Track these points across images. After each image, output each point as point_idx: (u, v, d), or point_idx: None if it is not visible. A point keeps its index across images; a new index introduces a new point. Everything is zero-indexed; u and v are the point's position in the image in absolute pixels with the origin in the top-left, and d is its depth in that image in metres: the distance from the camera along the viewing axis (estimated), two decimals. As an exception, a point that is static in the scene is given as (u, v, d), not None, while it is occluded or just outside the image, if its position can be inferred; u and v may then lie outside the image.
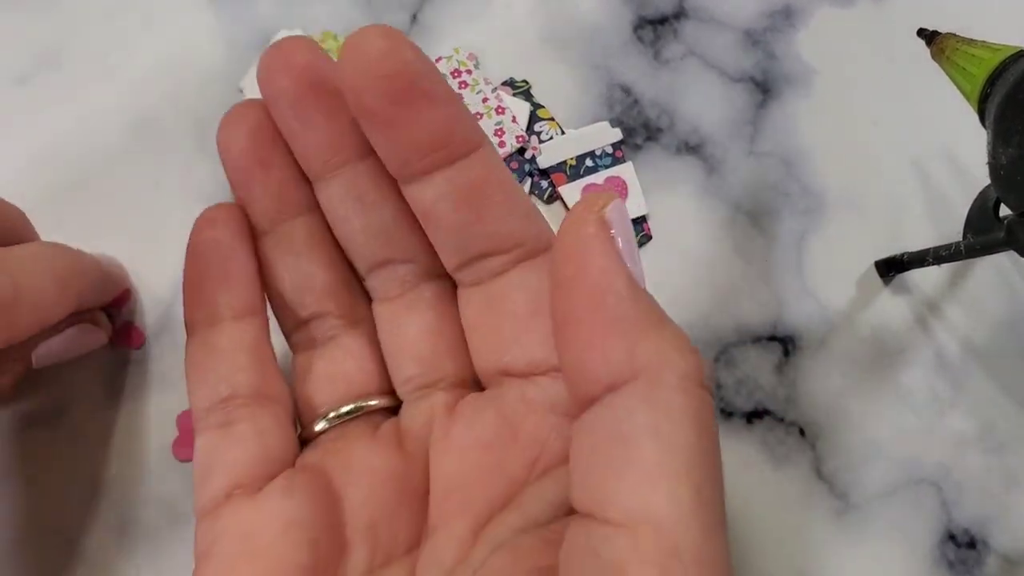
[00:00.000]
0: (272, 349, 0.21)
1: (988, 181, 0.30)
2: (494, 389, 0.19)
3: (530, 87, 0.42)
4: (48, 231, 0.38)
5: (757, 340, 0.39)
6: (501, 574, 0.16)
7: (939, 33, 0.32)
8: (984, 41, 0.31)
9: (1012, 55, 0.29)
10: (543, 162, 0.40)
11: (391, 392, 0.21)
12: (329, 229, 0.21)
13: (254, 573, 0.17)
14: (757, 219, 0.41)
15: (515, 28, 0.43)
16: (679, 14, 0.44)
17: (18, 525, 0.35)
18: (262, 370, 0.20)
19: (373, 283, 0.20)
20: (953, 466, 0.38)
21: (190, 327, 0.20)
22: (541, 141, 0.40)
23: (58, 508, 0.35)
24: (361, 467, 0.19)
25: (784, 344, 0.39)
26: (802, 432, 0.38)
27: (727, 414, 0.38)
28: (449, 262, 0.19)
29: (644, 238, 0.40)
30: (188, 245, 0.21)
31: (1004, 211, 0.37)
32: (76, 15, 0.42)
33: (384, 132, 0.18)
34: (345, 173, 0.19)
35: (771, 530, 0.36)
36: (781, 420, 0.38)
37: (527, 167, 0.40)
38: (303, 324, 0.21)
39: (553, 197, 0.40)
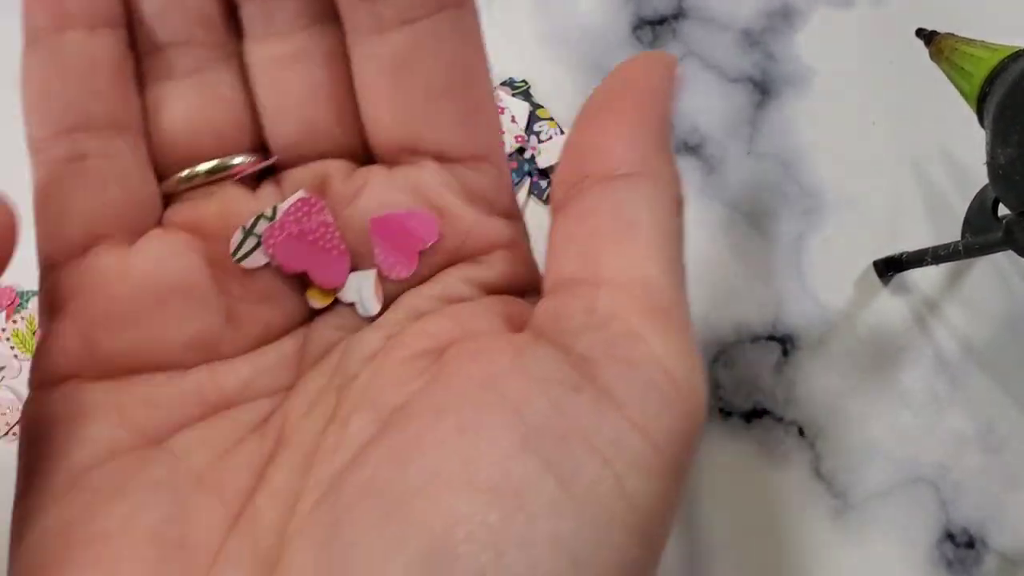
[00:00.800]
0: (133, 72, 0.16)
1: (986, 181, 0.30)
2: (405, 167, 0.16)
3: (529, 87, 0.42)
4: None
5: (756, 340, 0.39)
6: (441, 330, 0.15)
7: (938, 33, 0.32)
8: (983, 41, 0.31)
9: (1010, 55, 0.29)
10: (542, 162, 0.40)
11: (263, 152, 0.17)
12: None
13: (127, 343, 0.15)
14: (756, 219, 0.41)
15: (514, 28, 0.43)
16: (678, 14, 0.44)
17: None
18: (122, 97, 0.16)
19: (250, 15, 0.16)
20: (952, 465, 0.38)
21: (30, 33, 0.15)
22: (540, 141, 0.40)
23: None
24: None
25: (783, 344, 0.39)
26: (801, 432, 0.38)
27: (726, 414, 0.38)
28: None
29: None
30: None
31: (1003, 211, 0.37)
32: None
33: None
34: None
35: (770, 529, 0.36)
36: (780, 420, 0.38)
37: (526, 167, 0.40)
38: (160, 49, 0.16)
39: (552, 197, 0.40)
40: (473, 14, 0.17)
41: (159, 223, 0.16)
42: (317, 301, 0.16)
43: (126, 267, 0.15)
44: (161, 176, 0.17)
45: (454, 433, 0.13)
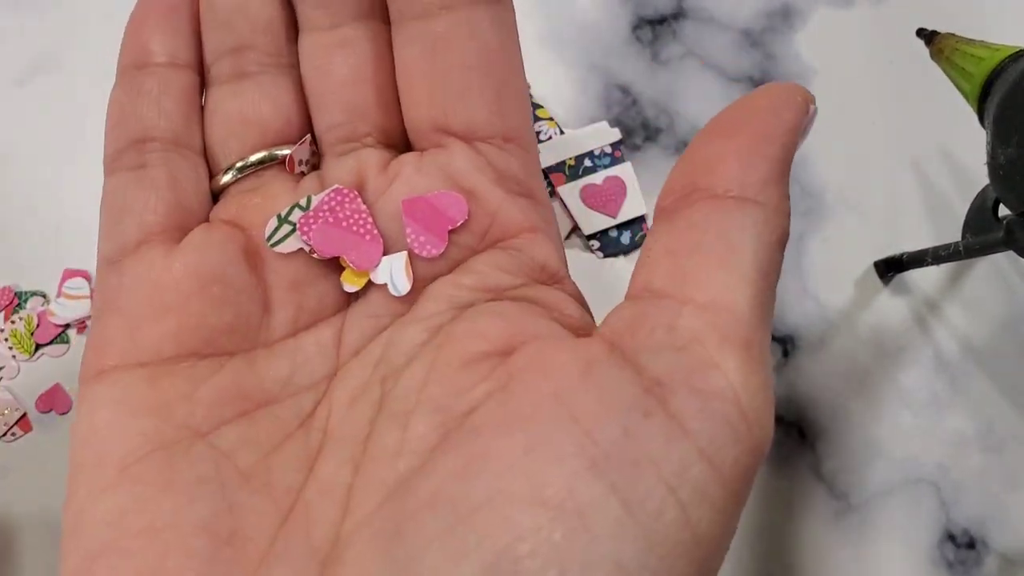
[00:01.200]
0: (200, 103, 0.18)
1: (987, 181, 0.30)
2: (435, 151, 0.17)
3: (529, 87, 0.42)
4: (46, 230, 0.38)
5: (756, 340, 0.39)
6: (493, 331, 0.15)
7: (938, 33, 0.32)
8: (983, 41, 0.31)
9: (1011, 55, 0.29)
10: (542, 162, 0.40)
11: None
12: None
13: (166, 329, 0.16)
14: (756, 219, 0.41)
15: (514, 28, 0.43)
16: (678, 14, 0.44)
17: (18, 525, 0.35)
18: (186, 119, 0.18)
19: (305, 10, 0.18)
20: (952, 466, 0.38)
21: (120, 72, 0.18)
22: (540, 141, 0.40)
23: (57, 508, 0.35)
24: None
25: (783, 344, 0.39)
26: (801, 432, 0.38)
27: (726, 414, 0.38)
28: None
29: (643, 238, 0.40)
30: None
31: (1003, 211, 0.37)
32: (76, 16, 0.42)
33: None
34: None
35: (770, 530, 0.36)
36: (780, 420, 0.38)
37: (526, 167, 0.40)
38: (226, 54, 0.18)
39: (552, 197, 0.40)
40: (510, 10, 0.17)
41: (207, 220, 0.18)
42: (351, 284, 0.17)
43: (169, 261, 0.16)
44: (215, 172, 0.18)
45: (522, 450, 0.13)
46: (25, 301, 0.37)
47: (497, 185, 0.17)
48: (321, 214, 0.17)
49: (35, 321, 0.36)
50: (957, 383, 0.39)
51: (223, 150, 0.18)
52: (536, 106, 0.41)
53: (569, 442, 0.13)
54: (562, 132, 0.41)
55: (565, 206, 0.40)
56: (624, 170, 0.40)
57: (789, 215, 0.15)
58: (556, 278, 0.17)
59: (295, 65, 0.18)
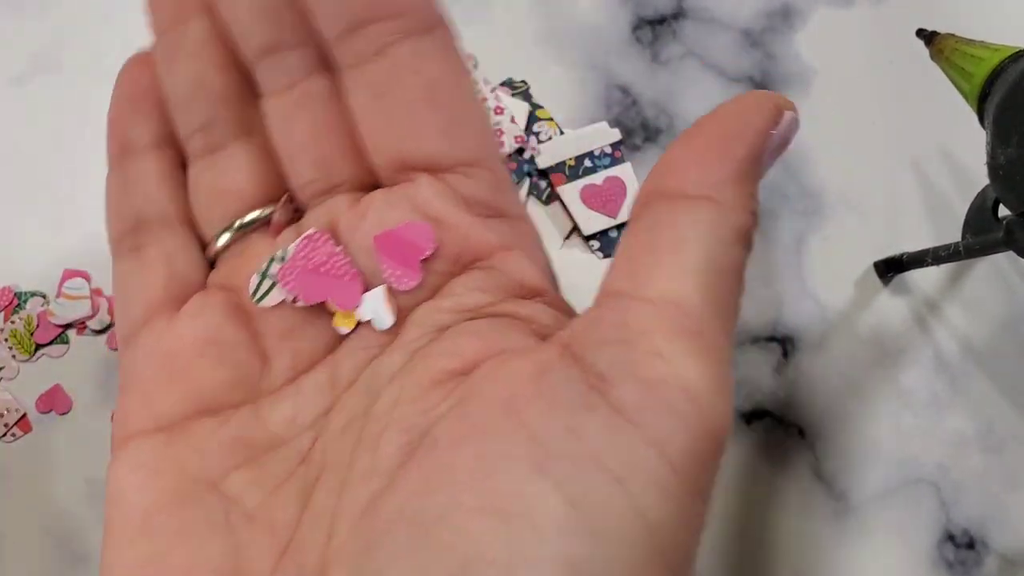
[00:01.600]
0: (183, 179, 0.20)
1: (987, 181, 0.30)
2: (403, 184, 0.18)
3: (529, 87, 0.42)
4: (45, 231, 0.38)
5: (756, 341, 0.39)
6: (467, 349, 0.16)
7: (938, 33, 0.32)
8: (983, 41, 0.31)
9: (1011, 55, 0.29)
10: (542, 162, 0.40)
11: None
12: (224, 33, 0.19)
13: (177, 395, 0.17)
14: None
15: (514, 29, 0.43)
16: (678, 14, 0.44)
17: (18, 525, 0.35)
18: (172, 198, 0.19)
19: (262, 75, 0.19)
20: (952, 466, 0.38)
21: (109, 161, 0.20)
22: (540, 142, 0.40)
23: (57, 508, 0.35)
24: None
25: (783, 345, 0.39)
26: (801, 433, 0.38)
27: (726, 415, 0.38)
28: (329, 29, 0.18)
29: (643, 239, 0.40)
30: (113, 90, 0.20)
31: (1003, 211, 0.37)
32: (75, 15, 0.42)
33: None
34: None
35: (770, 531, 0.36)
36: (780, 421, 0.38)
37: (526, 167, 0.40)
38: (196, 130, 0.19)
39: (552, 198, 0.40)
40: (447, 32, 0.18)
41: (204, 286, 0.19)
42: (343, 326, 0.18)
43: (172, 330, 0.18)
44: (207, 241, 0.19)
45: (474, 461, 0.13)
46: (25, 301, 0.37)
47: (464, 210, 0.17)
48: (298, 263, 0.18)
49: (35, 321, 0.36)
50: (957, 383, 0.39)
51: (208, 221, 0.19)
52: (536, 106, 0.41)
53: (516, 447, 0.13)
54: (562, 132, 0.41)
55: (565, 206, 0.40)
56: (624, 170, 0.40)
57: (754, 214, 0.15)
58: (536, 291, 0.17)
59: (261, 127, 0.19)
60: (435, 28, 0.17)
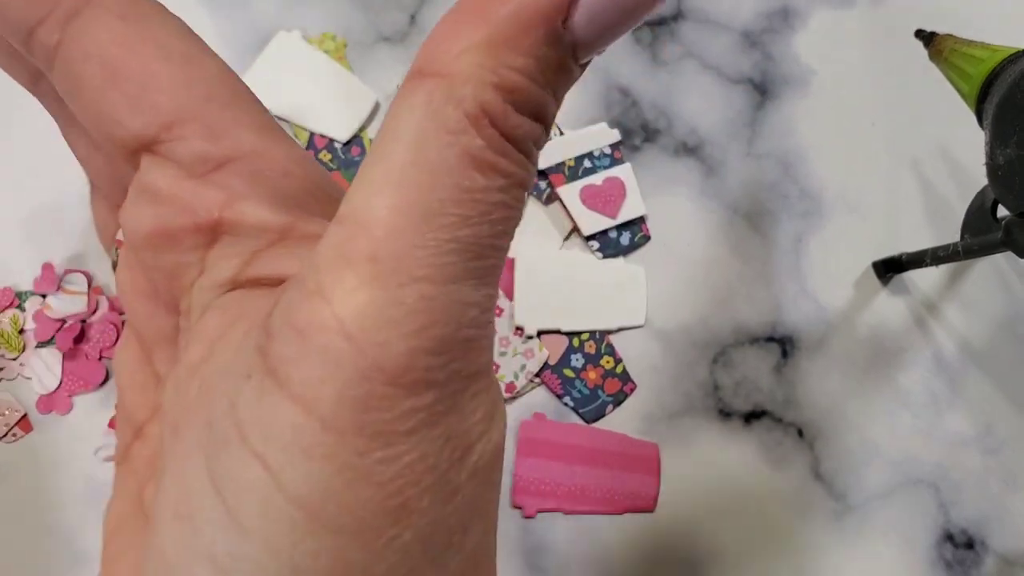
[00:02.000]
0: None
1: (986, 182, 0.30)
2: (136, 175, 0.16)
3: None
4: (45, 231, 0.38)
5: (755, 341, 0.39)
6: (210, 331, 0.14)
7: (937, 34, 0.32)
8: (982, 42, 0.31)
9: (1010, 56, 0.29)
10: (541, 163, 0.40)
11: None
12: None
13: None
14: (755, 220, 0.41)
15: (513, 29, 0.43)
16: (677, 15, 0.44)
17: (18, 525, 0.35)
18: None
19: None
20: (951, 467, 0.38)
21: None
22: (539, 142, 0.40)
23: (58, 508, 0.35)
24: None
25: (782, 345, 0.39)
26: (800, 433, 0.38)
27: (725, 415, 0.38)
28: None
29: (643, 239, 0.40)
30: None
31: (1002, 212, 0.37)
32: (74, 16, 0.42)
33: None
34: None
35: (769, 531, 0.36)
36: (779, 421, 0.38)
37: (525, 168, 0.40)
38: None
39: (551, 198, 0.40)
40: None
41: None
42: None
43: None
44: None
45: (178, 461, 0.12)
46: (25, 301, 0.37)
47: (183, 177, 0.15)
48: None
49: (21, 319, 0.36)
50: (956, 384, 0.39)
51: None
52: (536, 107, 0.41)
53: (199, 437, 0.12)
54: (562, 132, 0.41)
55: (565, 206, 0.40)
56: (624, 171, 0.40)
57: (502, 87, 0.11)
58: (283, 231, 0.15)
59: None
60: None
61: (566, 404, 0.38)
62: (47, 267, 0.37)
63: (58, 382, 0.36)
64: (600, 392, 0.38)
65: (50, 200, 0.38)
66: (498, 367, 0.37)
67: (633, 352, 0.38)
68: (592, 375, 0.38)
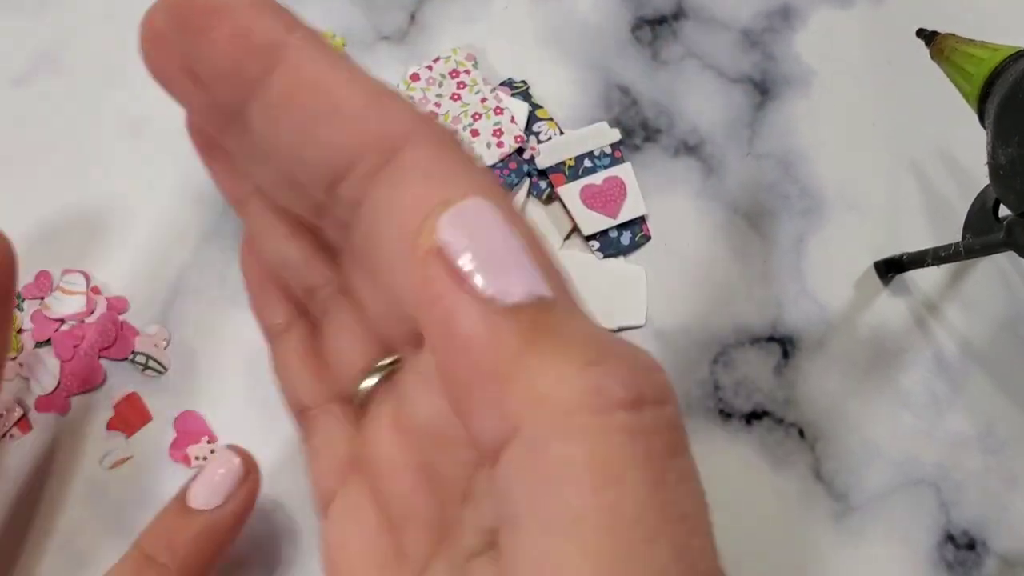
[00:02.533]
0: (315, 347, 0.21)
1: (987, 181, 0.30)
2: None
3: (529, 87, 0.42)
4: (46, 232, 0.38)
5: (756, 341, 0.39)
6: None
7: (938, 33, 0.32)
8: (983, 41, 0.31)
9: (1011, 55, 0.29)
10: (542, 162, 0.40)
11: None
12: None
13: None
14: (755, 220, 0.41)
15: (514, 28, 0.43)
16: (678, 15, 0.44)
17: (17, 526, 0.35)
18: (317, 372, 0.20)
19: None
20: (952, 467, 0.38)
21: (269, 347, 0.21)
22: (540, 141, 0.40)
23: (57, 509, 0.35)
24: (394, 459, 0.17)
25: (783, 345, 0.39)
26: (801, 433, 0.38)
27: (726, 415, 0.38)
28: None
29: (643, 238, 0.40)
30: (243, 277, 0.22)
31: (1004, 211, 0.37)
32: (76, 16, 0.41)
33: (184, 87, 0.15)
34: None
35: (770, 531, 0.36)
36: (780, 421, 0.38)
37: (525, 167, 0.40)
38: (307, 294, 0.20)
39: (551, 198, 0.40)
40: (430, 144, 0.16)
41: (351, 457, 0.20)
42: None
43: (328, 535, 0.19)
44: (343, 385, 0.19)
45: None
46: (23, 301, 0.37)
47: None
48: None
49: (19, 320, 0.36)
50: (957, 384, 0.39)
51: (349, 362, 0.19)
52: (536, 106, 0.41)
53: None
54: (562, 132, 0.41)
55: (565, 206, 0.39)
56: (624, 170, 0.40)
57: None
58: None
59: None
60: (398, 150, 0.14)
61: (566, 404, 0.37)
62: (43, 274, 0.37)
63: (56, 382, 0.36)
64: (600, 392, 0.38)
65: (50, 201, 0.38)
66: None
67: (633, 352, 0.38)
68: (592, 375, 0.38)
